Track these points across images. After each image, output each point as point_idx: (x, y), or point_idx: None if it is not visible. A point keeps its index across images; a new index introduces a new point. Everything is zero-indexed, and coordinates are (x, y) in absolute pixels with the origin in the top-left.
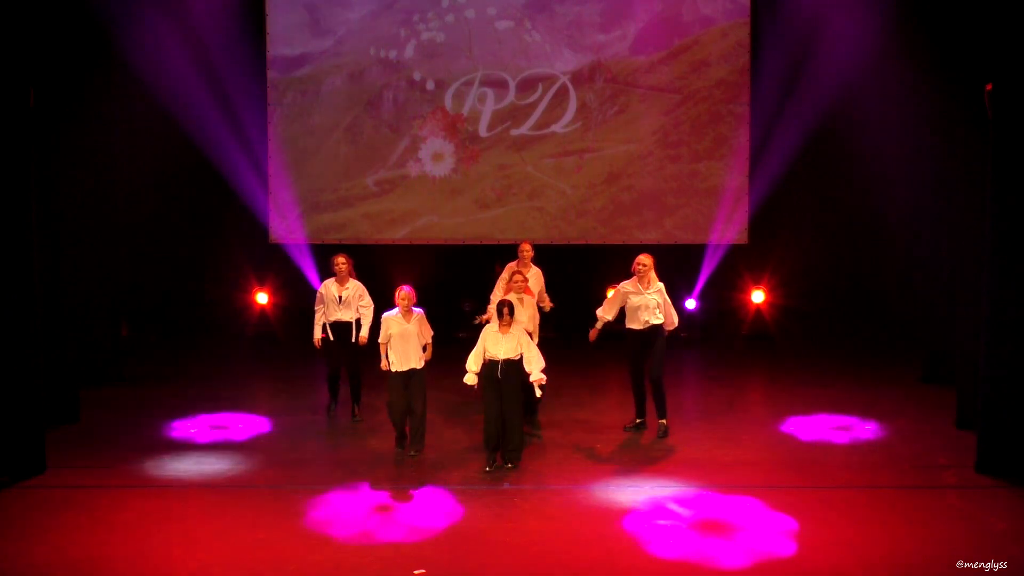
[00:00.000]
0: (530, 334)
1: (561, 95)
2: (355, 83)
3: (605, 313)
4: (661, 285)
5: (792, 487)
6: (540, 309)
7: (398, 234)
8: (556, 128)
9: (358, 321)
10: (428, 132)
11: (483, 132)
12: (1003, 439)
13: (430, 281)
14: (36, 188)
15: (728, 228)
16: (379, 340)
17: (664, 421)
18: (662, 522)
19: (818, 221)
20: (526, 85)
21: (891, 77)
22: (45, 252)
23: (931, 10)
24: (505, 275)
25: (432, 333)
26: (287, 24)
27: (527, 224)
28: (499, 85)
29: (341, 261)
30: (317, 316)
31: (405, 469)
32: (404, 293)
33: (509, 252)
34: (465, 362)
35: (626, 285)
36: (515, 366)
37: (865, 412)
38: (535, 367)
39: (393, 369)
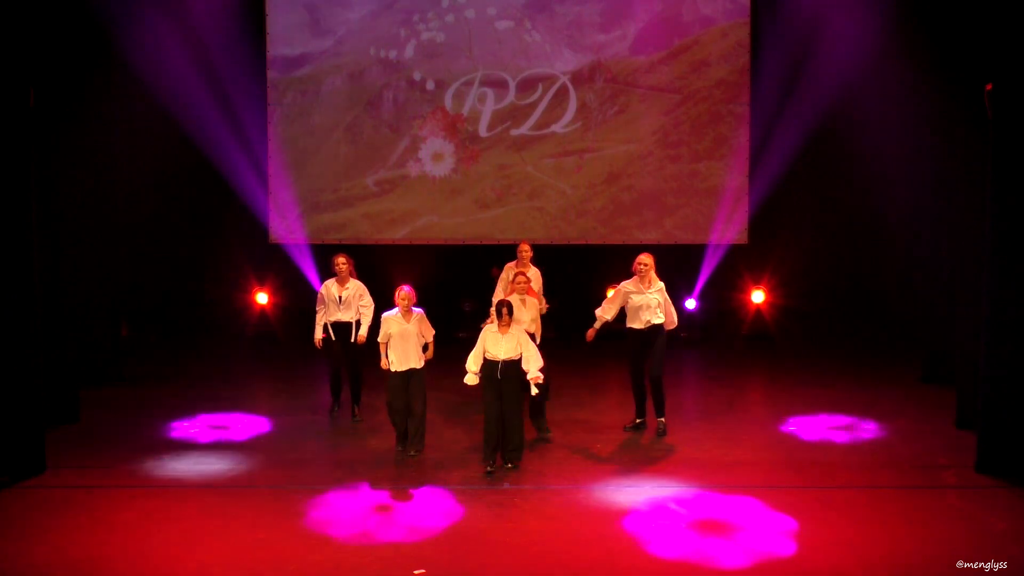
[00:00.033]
0: (532, 335)
1: (561, 95)
2: (355, 83)
3: (604, 313)
4: (662, 284)
5: (792, 487)
6: None
7: (398, 234)
8: (556, 128)
9: (359, 321)
10: (428, 132)
11: (483, 132)
12: (1003, 439)
13: (430, 281)
14: (36, 188)
15: (728, 228)
16: (379, 340)
17: (663, 420)
18: (662, 522)
19: (818, 221)
20: (526, 85)
21: (891, 77)
22: (45, 252)
23: (931, 10)
24: (505, 275)
25: (434, 332)
26: (287, 24)
27: (527, 224)
28: (499, 85)
29: (341, 261)
30: (318, 316)
31: (405, 469)
32: (404, 293)
33: (509, 252)
34: (465, 362)
35: (627, 285)
36: (515, 366)
37: (865, 412)
38: (533, 365)
39: (393, 369)
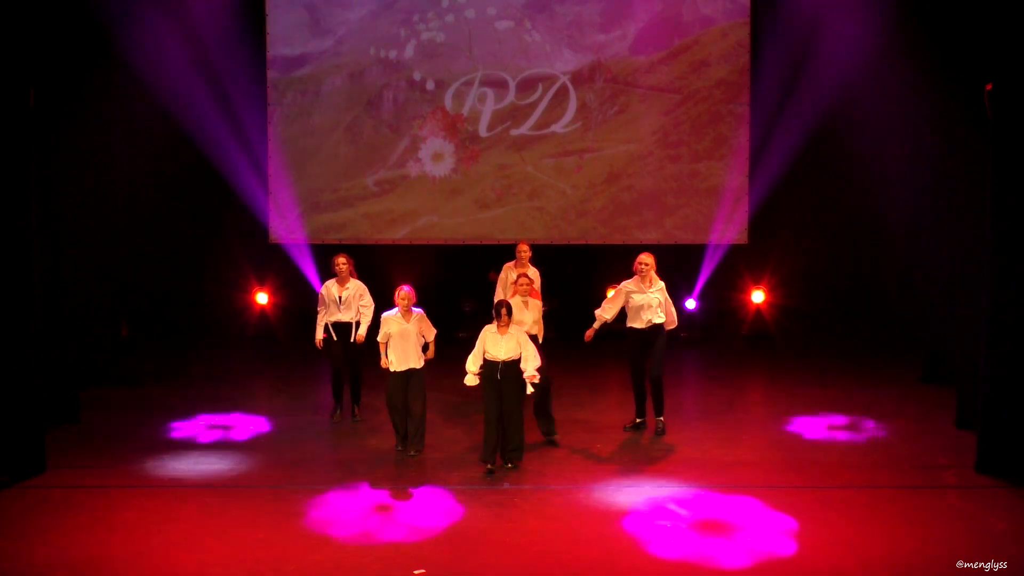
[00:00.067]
0: (535, 336)
1: (561, 95)
2: (355, 83)
3: (604, 313)
4: (662, 284)
5: (792, 487)
6: None
7: (398, 234)
8: (556, 128)
9: (359, 321)
10: (428, 132)
11: (483, 132)
12: (1003, 439)
13: (430, 281)
14: (36, 188)
15: (728, 228)
16: (378, 339)
17: (662, 419)
18: (662, 522)
19: (818, 221)
20: (526, 85)
21: (891, 77)
22: (45, 252)
23: (931, 10)
24: (504, 275)
25: (435, 332)
26: (287, 24)
27: (527, 224)
28: (499, 85)
29: (342, 261)
30: (319, 317)
31: (405, 469)
32: (404, 293)
33: (509, 252)
34: (465, 363)
35: (628, 284)
36: (515, 367)
37: (865, 412)
38: (530, 365)
39: (392, 369)
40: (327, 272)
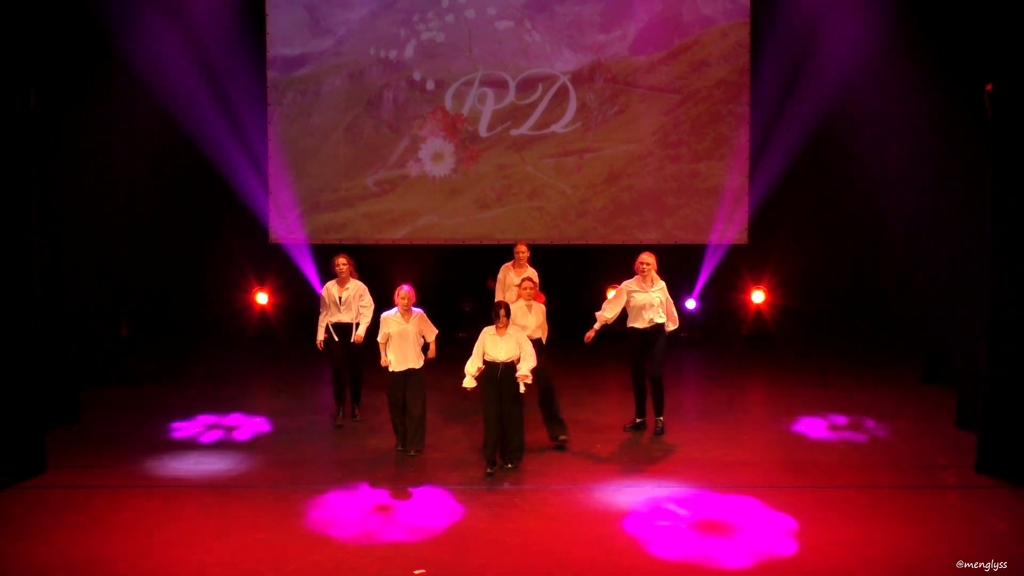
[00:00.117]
0: (540, 340)
1: (561, 95)
2: (355, 83)
3: (606, 312)
4: (663, 284)
5: (792, 487)
6: None
7: (398, 234)
8: (556, 128)
9: (359, 322)
10: (428, 132)
11: (483, 132)
12: (1003, 439)
13: (430, 281)
14: (36, 188)
15: (728, 228)
16: (378, 340)
17: (662, 419)
18: (662, 522)
19: (818, 221)
20: (526, 85)
21: (891, 77)
22: (45, 252)
23: (931, 10)
24: (502, 275)
25: (436, 332)
26: (287, 24)
27: (527, 224)
28: (499, 85)
29: (342, 262)
30: (320, 318)
31: (405, 469)
32: (404, 292)
33: (509, 252)
34: (465, 364)
35: (629, 284)
36: (515, 368)
37: (865, 412)
38: (525, 365)
39: (391, 369)
40: (327, 272)
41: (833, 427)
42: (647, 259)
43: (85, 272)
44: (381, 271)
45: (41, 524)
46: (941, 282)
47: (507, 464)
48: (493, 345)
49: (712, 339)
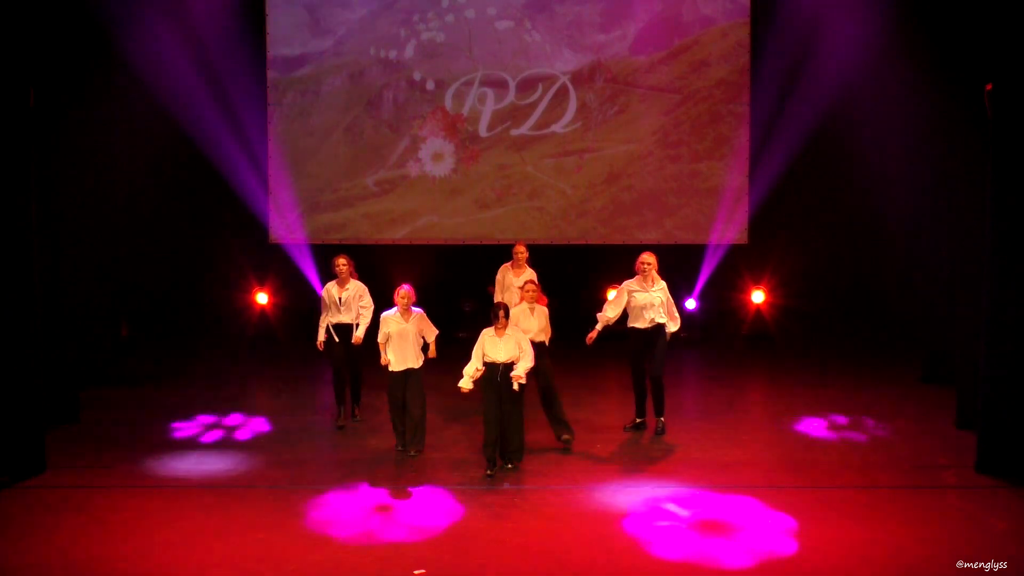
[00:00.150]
0: (543, 343)
1: (561, 95)
2: (355, 83)
3: (607, 312)
4: (664, 284)
5: (792, 487)
6: None
7: (398, 234)
8: (556, 128)
9: (359, 323)
10: (428, 132)
11: (483, 132)
12: (1003, 439)
13: (430, 281)
14: (36, 188)
15: (728, 228)
16: (379, 340)
17: (662, 419)
18: (662, 522)
19: (818, 221)
20: (526, 85)
21: (891, 77)
22: (45, 252)
23: (931, 10)
24: (500, 276)
25: (437, 333)
26: (287, 24)
27: (527, 224)
28: (499, 85)
29: (342, 263)
30: (321, 319)
31: (405, 469)
32: (403, 292)
33: (509, 253)
34: (465, 364)
35: (630, 283)
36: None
37: (865, 412)
38: (521, 365)
39: (390, 369)
40: (327, 272)
41: (833, 427)
42: (648, 259)
43: (85, 272)
44: (381, 271)
45: (41, 524)
46: (941, 282)
47: (507, 464)
48: (492, 346)
49: (712, 339)
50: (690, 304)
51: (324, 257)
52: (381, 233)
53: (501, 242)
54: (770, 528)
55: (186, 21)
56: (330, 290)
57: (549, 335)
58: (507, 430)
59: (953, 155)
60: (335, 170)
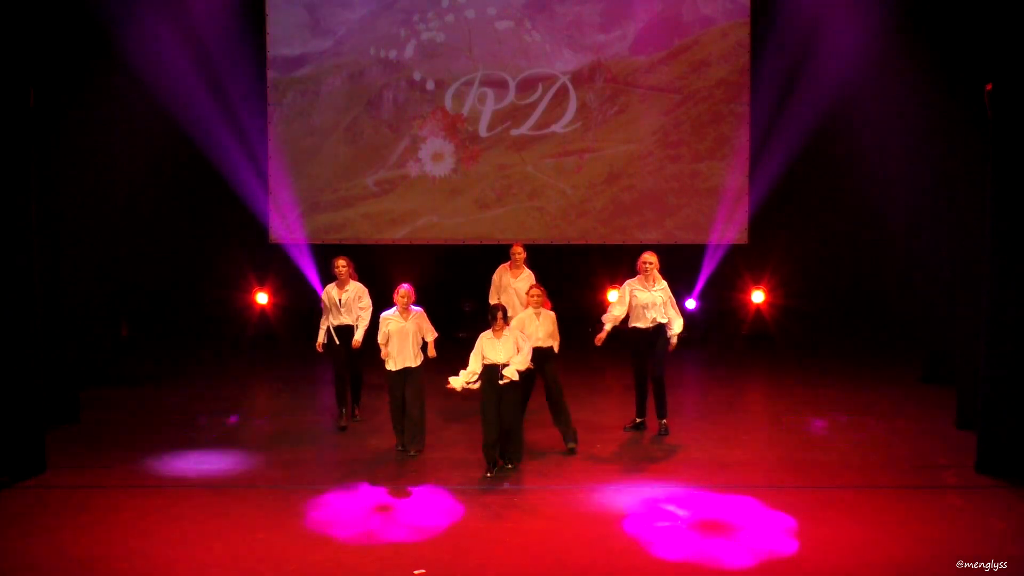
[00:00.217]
0: (551, 348)
1: (561, 95)
2: (355, 83)
3: (614, 311)
4: (665, 284)
5: (792, 487)
6: None
7: (398, 234)
8: (556, 128)
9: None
10: (428, 132)
11: (483, 132)
12: (1003, 439)
13: (430, 281)
14: (36, 188)
15: (728, 228)
16: (378, 339)
17: (665, 421)
18: (662, 523)
19: (818, 221)
20: (526, 85)
21: (891, 77)
22: (45, 252)
23: (931, 11)
24: (496, 277)
25: (436, 335)
26: (287, 24)
27: (527, 224)
28: (499, 85)
29: (341, 264)
30: (322, 321)
31: (405, 469)
32: (403, 291)
33: (509, 253)
34: (465, 365)
35: (632, 283)
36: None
37: (865, 412)
38: (516, 363)
39: (389, 368)
40: (327, 272)
41: (833, 427)
42: (649, 258)
43: (85, 272)
44: (381, 271)
45: (41, 524)
46: (941, 282)
47: (507, 464)
48: (491, 348)
49: (712, 339)
50: (690, 304)
51: (324, 257)
52: (381, 233)
53: (501, 242)
54: (770, 528)
55: (186, 21)
56: (330, 292)
57: (558, 340)
58: (507, 430)
59: (953, 155)
60: (335, 170)
